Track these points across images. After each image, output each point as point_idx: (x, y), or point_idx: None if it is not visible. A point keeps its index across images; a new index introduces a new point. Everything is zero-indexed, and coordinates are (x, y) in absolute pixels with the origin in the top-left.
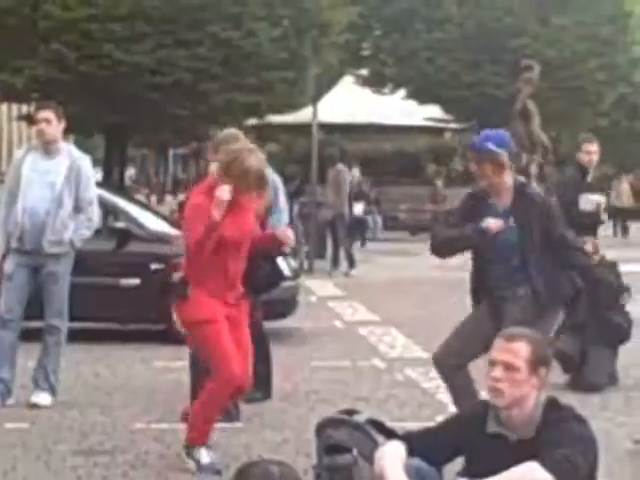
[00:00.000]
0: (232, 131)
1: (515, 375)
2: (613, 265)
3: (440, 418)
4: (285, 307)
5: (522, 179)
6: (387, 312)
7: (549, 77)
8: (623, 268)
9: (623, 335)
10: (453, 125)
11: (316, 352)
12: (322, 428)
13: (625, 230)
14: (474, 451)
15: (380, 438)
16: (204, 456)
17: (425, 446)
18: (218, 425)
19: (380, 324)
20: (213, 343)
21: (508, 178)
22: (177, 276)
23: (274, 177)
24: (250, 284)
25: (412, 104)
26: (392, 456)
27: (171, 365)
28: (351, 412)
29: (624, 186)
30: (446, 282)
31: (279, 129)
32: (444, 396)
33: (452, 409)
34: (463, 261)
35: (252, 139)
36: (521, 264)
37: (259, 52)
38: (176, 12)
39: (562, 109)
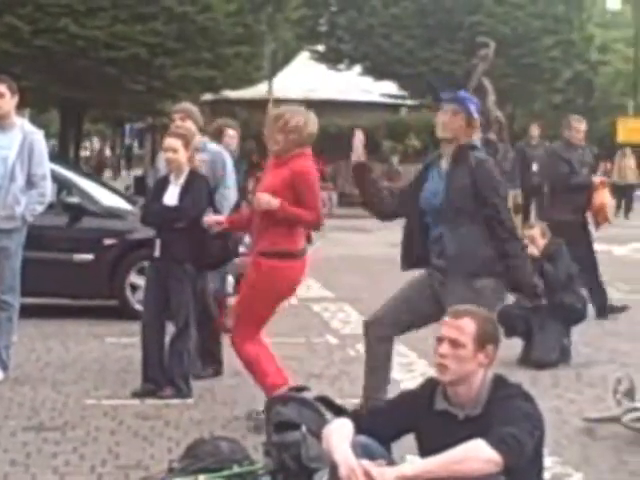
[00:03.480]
0: (186, 104)
1: (461, 351)
2: (560, 244)
3: (392, 395)
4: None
5: (476, 143)
6: (341, 289)
7: (504, 54)
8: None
9: (578, 315)
10: (409, 101)
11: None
12: (271, 405)
13: (628, 209)
14: (422, 429)
15: (329, 415)
16: None
17: (373, 423)
18: (169, 401)
19: (334, 301)
20: None
21: (472, 138)
22: None
23: (223, 152)
24: (201, 260)
25: (368, 80)
26: (340, 433)
27: (123, 341)
28: (300, 389)
29: (628, 161)
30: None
31: (236, 104)
32: (397, 373)
33: (404, 385)
34: None
35: (208, 114)
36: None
37: (215, 27)
38: None
39: (517, 86)
